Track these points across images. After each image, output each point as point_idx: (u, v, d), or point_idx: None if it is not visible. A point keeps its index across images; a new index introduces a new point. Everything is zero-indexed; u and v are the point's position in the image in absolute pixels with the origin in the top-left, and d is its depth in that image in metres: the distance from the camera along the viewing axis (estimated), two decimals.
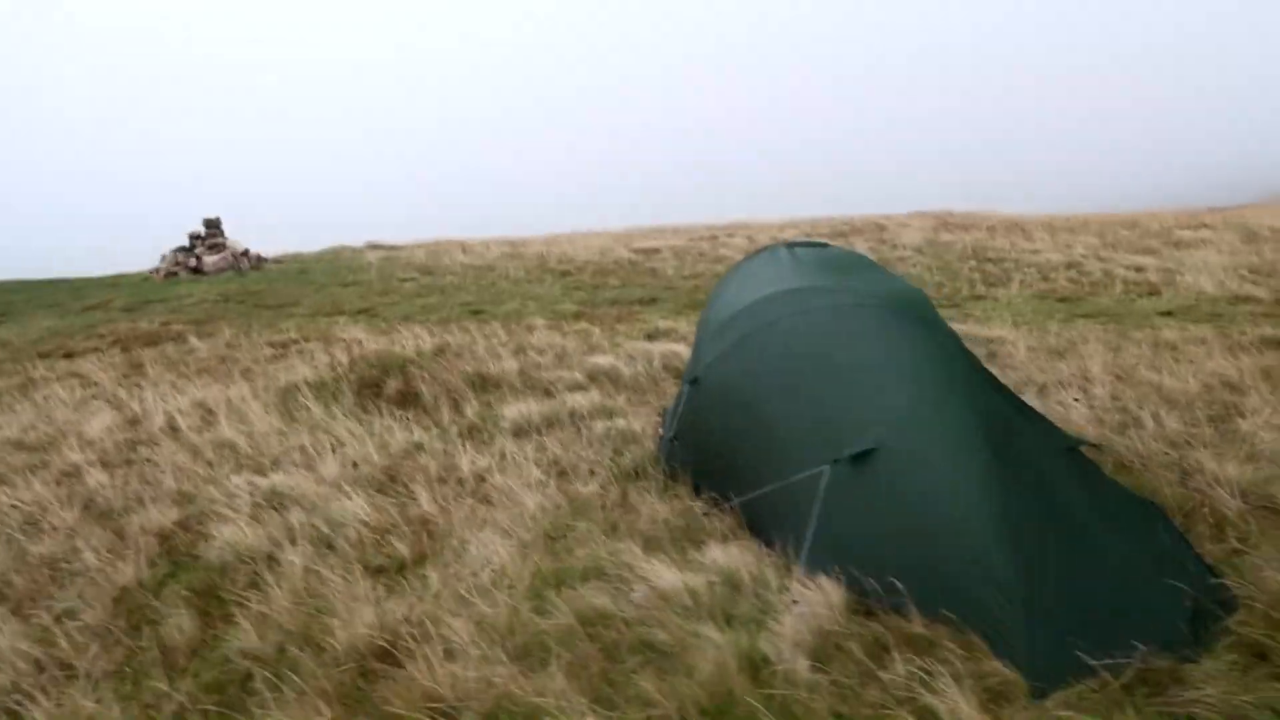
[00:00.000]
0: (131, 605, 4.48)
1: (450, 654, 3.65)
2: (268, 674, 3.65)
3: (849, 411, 4.24)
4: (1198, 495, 4.54)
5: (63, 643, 4.10)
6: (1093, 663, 3.22)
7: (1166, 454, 5.11)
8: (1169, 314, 9.73)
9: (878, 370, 4.27)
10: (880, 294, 4.68)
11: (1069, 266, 13.00)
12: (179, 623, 4.21)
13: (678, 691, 3.26)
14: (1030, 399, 6.28)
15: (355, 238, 20.90)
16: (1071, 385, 6.60)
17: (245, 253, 18.30)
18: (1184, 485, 4.66)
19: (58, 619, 4.36)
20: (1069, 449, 4.47)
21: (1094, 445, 4.83)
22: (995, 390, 4.48)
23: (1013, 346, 7.95)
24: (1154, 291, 11.08)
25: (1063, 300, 10.92)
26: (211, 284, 16.80)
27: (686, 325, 9.81)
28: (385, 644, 3.80)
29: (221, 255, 17.91)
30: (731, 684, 3.29)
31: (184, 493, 5.88)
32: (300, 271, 17.34)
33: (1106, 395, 6.41)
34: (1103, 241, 15.08)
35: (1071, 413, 6.00)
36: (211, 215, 18.69)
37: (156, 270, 18.06)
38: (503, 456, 6.05)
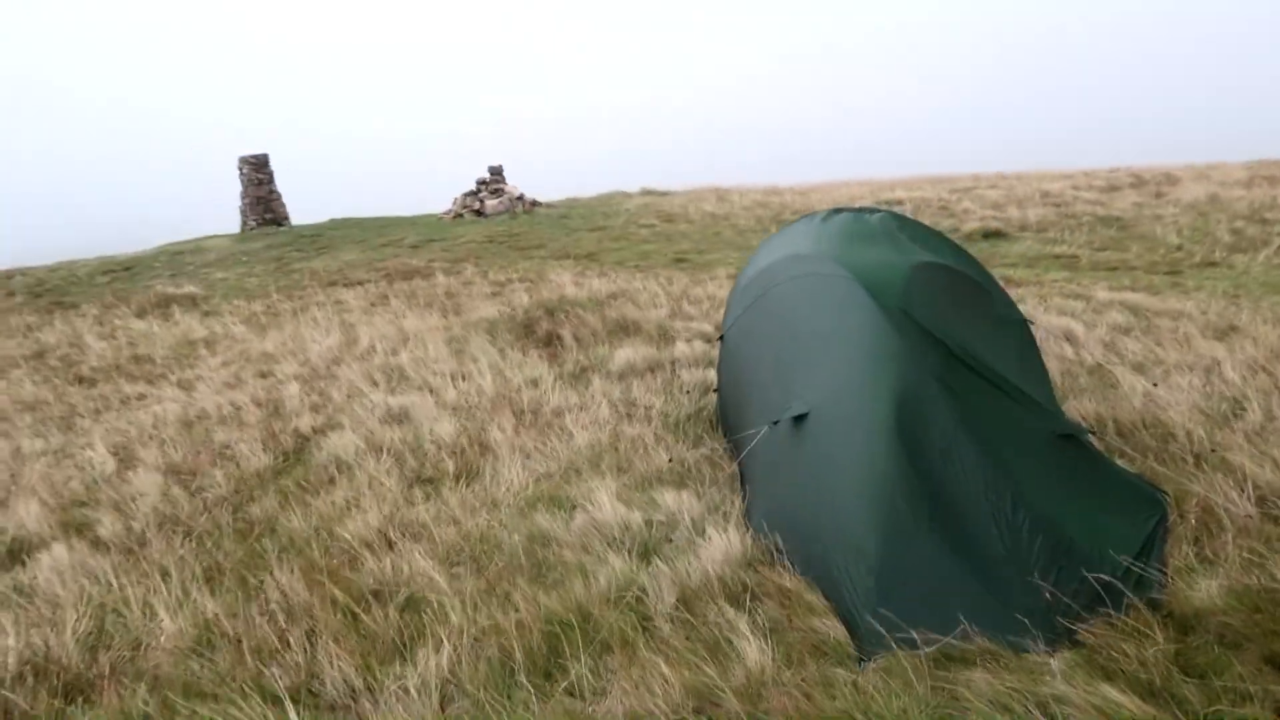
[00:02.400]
0: (250, 487, 5.72)
1: (408, 551, 4.40)
2: (286, 551, 4.63)
3: (799, 377, 4.41)
4: (1207, 496, 4.16)
5: (185, 506, 5.39)
6: (915, 637, 3.29)
7: (1213, 451, 4.63)
8: None
9: (831, 340, 4.37)
10: (876, 265, 4.66)
11: None
12: (266, 505, 5.36)
13: (543, 604, 3.77)
14: (1121, 377, 5.84)
15: (666, 182, 22.20)
16: (1187, 370, 5.96)
17: (520, 197, 20.21)
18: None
19: (196, 490, 5.70)
20: (1061, 435, 4.31)
21: (1087, 433, 4.52)
22: (981, 371, 4.36)
23: (1171, 321, 7.17)
24: None
25: None
26: (487, 225, 18.83)
27: None
28: (380, 538, 4.65)
29: (500, 200, 19.95)
30: (591, 606, 3.74)
31: (337, 405, 7.16)
32: (561, 216, 18.89)
33: (1235, 381, 5.74)
34: None
35: (1144, 397, 5.50)
36: (496, 163, 20.80)
37: (448, 212, 20.51)
38: (589, 396, 6.70)
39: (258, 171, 23.06)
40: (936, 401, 3.89)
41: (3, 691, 3.62)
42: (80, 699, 3.60)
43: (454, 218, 20.05)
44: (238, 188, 23.18)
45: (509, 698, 3.26)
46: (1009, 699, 2.91)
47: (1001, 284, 9.04)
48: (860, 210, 5.58)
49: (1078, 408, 5.53)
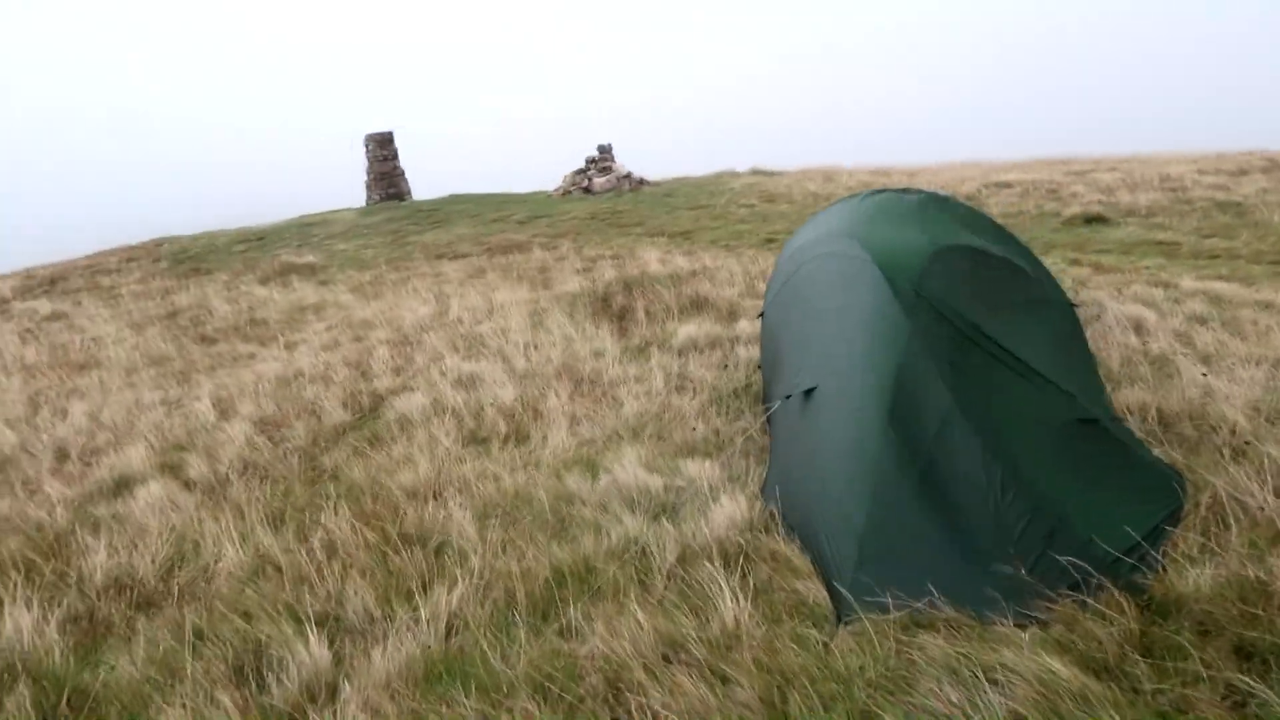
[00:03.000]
0: (326, 440, 6.25)
1: (448, 504, 4.78)
2: (342, 497, 5.09)
3: (813, 351, 4.56)
4: (1221, 487, 4.11)
5: (266, 454, 5.95)
6: (890, 603, 3.44)
7: (1246, 444, 4.53)
8: None
9: (843, 317, 4.49)
10: (897, 245, 4.71)
11: None
12: (335, 456, 5.86)
13: (553, 555, 4.08)
14: (1182, 367, 5.71)
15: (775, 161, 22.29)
16: (1255, 364, 5.74)
17: (628, 175, 20.55)
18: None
19: (279, 441, 6.26)
20: (1081, 420, 4.32)
21: (1110, 419, 4.47)
22: (997, 354, 4.39)
23: (1256, 313, 6.87)
24: None
25: None
26: (593, 202, 19.26)
27: None
28: (428, 489, 5.05)
29: (608, 177, 20.34)
30: (596, 560, 4.02)
31: (418, 368, 7.66)
32: (665, 195, 19.13)
33: None
34: None
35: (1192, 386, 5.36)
36: (605, 141, 21.20)
37: (558, 189, 21.06)
38: (647, 369, 6.96)
39: (382, 149, 24.19)
40: (934, 381, 3.96)
41: (92, 599, 4.18)
42: (152, 611, 4.12)
43: (563, 195, 20.58)
44: (363, 164, 24.40)
45: (505, 634, 3.57)
46: (958, 664, 3.03)
47: (1090, 270, 8.82)
48: (903, 191, 5.62)
49: (1128, 395, 5.43)
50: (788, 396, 4.47)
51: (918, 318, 4.25)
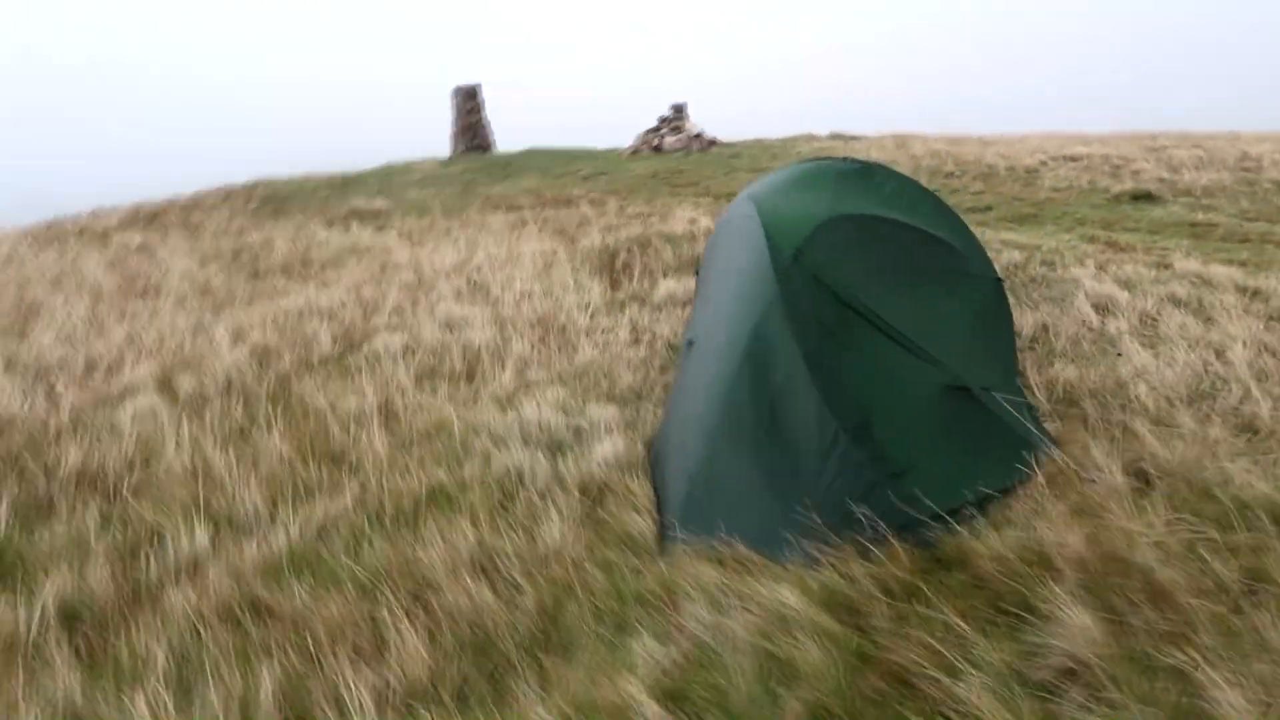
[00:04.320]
0: (306, 369, 6.84)
1: (373, 427, 5.28)
2: (292, 418, 5.65)
3: (709, 308, 4.84)
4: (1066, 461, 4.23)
5: (249, 378, 6.58)
6: (700, 538, 3.76)
7: (1124, 426, 4.60)
8: None
9: (729, 277, 4.75)
10: (794, 212, 4.89)
11: None
12: (307, 384, 6.44)
13: (438, 475, 4.53)
14: (1129, 348, 5.73)
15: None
16: (1204, 347, 5.69)
17: (699, 135, 20.63)
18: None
19: (266, 366, 6.89)
20: (950, 387, 4.50)
21: (981, 389, 4.58)
22: (873, 320, 4.56)
23: (1244, 298, 6.72)
24: None
25: None
26: (660, 161, 19.47)
27: None
28: (368, 417, 5.56)
29: (679, 137, 20.48)
30: (472, 483, 4.45)
31: (421, 307, 8.19)
32: (732, 156, 19.16)
33: (1238, 362, 5.46)
34: None
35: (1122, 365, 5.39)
36: (679, 101, 21.31)
37: (630, 147, 21.31)
38: (620, 321, 7.31)
39: (468, 101, 24.86)
40: (788, 339, 4.18)
41: (54, 488, 4.85)
42: (104, 501, 4.75)
43: (633, 153, 20.83)
44: (450, 116, 25.15)
45: (367, 539, 4.04)
46: (721, 593, 3.34)
47: (1104, 248, 8.66)
48: (843, 160, 5.77)
49: (1056, 370, 5.50)
50: (689, 345, 4.77)
51: (790, 280, 4.46)
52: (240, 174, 24.82)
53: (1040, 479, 4.10)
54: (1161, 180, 12.39)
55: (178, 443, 5.31)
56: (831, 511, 3.75)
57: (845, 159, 5.91)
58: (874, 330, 4.55)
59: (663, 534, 3.94)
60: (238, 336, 7.86)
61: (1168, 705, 2.62)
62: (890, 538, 3.63)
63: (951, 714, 2.63)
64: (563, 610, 3.38)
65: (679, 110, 21.36)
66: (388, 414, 5.56)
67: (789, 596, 3.17)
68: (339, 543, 3.99)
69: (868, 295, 4.63)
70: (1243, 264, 8.02)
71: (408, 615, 3.27)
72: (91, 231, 17.82)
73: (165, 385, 6.58)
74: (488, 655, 3.14)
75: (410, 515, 4.21)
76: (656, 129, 21.20)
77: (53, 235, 17.81)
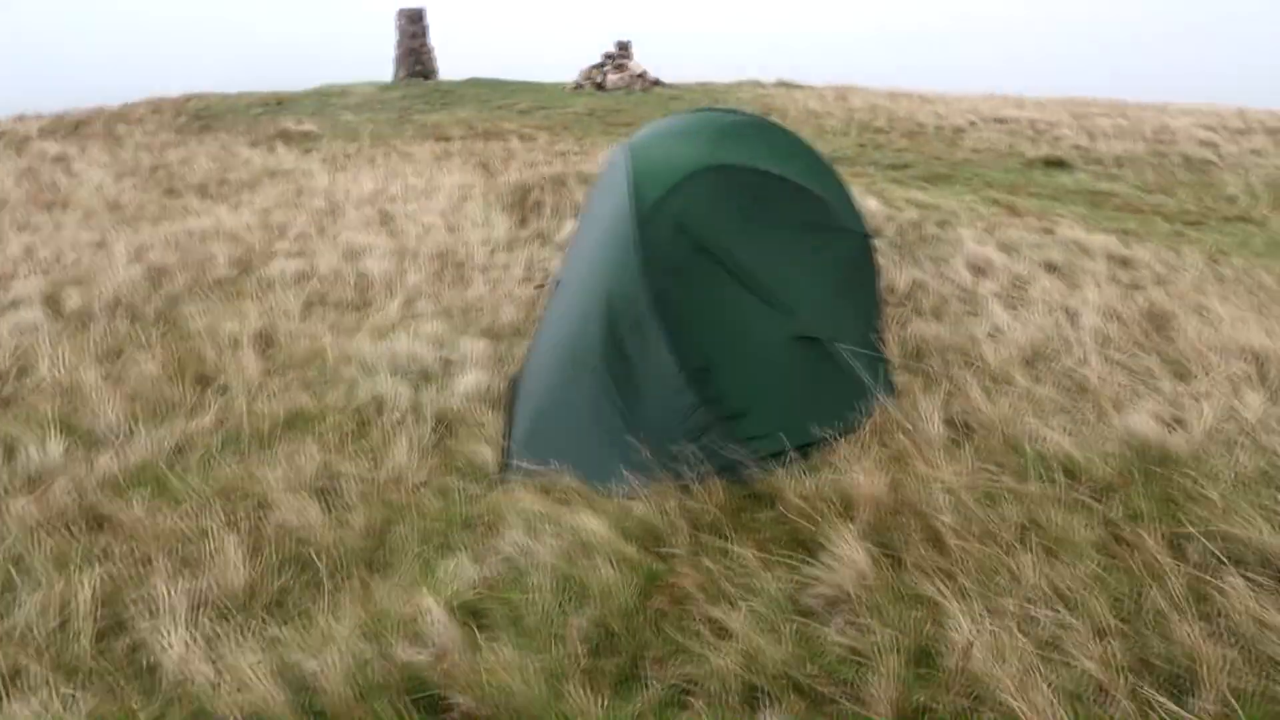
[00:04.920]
0: (198, 290, 6.86)
1: (248, 351, 5.37)
2: (170, 338, 5.71)
3: (577, 251, 4.99)
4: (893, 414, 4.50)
5: (139, 296, 6.59)
6: (536, 468, 3.96)
7: (952, 383, 4.88)
8: None
9: (597, 222, 4.90)
10: (664, 160, 5.02)
11: None
12: (195, 306, 6.48)
13: (301, 400, 4.66)
14: (990, 308, 6.01)
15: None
16: (1060, 311, 6.00)
17: (642, 74, 20.52)
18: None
19: (158, 287, 6.90)
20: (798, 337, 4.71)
21: (826, 339, 4.81)
22: (731, 268, 4.74)
23: (1115, 267, 7.06)
24: None
25: None
26: (599, 99, 19.36)
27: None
28: (260, 334, 5.65)
29: (621, 75, 20.36)
30: (332, 410, 4.59)
31: (326, 235, 8.21)
32: (672, 98, 19.14)
33: (1088, 325, 5.77)
34: None
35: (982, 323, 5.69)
36: (624, 38, 21.10)
37: (573, 82, 21.12)
38: (516, 259, 7.42)
39: (412, 24, 24.32)
40: (638, 282, 4.34)
41: None
42: None
43: (575, 89, 20.66)
44: (394, 38, 24.61)
45: (218, 458, 4.17)
46: (539, 520, 3.55)
47: (1004, 212, 8.93)
48: (726, 111, 5.90)
49: (916, 327, 5.76)
50: (556, 285, 4.93)
51: (649, 226, 4.60)
52: (177, 85, 24.04)
53: (867, 428, 4.37)
54: (1077, 148, 12.75)
55: (52, 358, 5.33)
56: (664, 448, 3.97)
57: (732, 110, 6.03)
58: (730, 278, 4.73)
59: (505, 464, 4.14)
60: (137, 255, 7.82)
61: (911, 630, 2.90)
62: (712, 475, 3.87)
63: (709, 633, 2.88)
64: (390, 531, 3.57)
65: (624, 48, 21.19)
66: (267, 339, 5.65)
67: (596, 525, 3.39)
68: (191, 460, 4.12)
69: (728, 244, 4.80)
70: (1127, 233, 8.38)
71: (236, 529, 3.43)
72: (10, 137, 17.29)
73: (52, 300, 6.56)
74: (310, 570, 3.32)
75: (265, 438, 4.34)
76: (600, 65, 21.03)
77: None
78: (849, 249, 5.64)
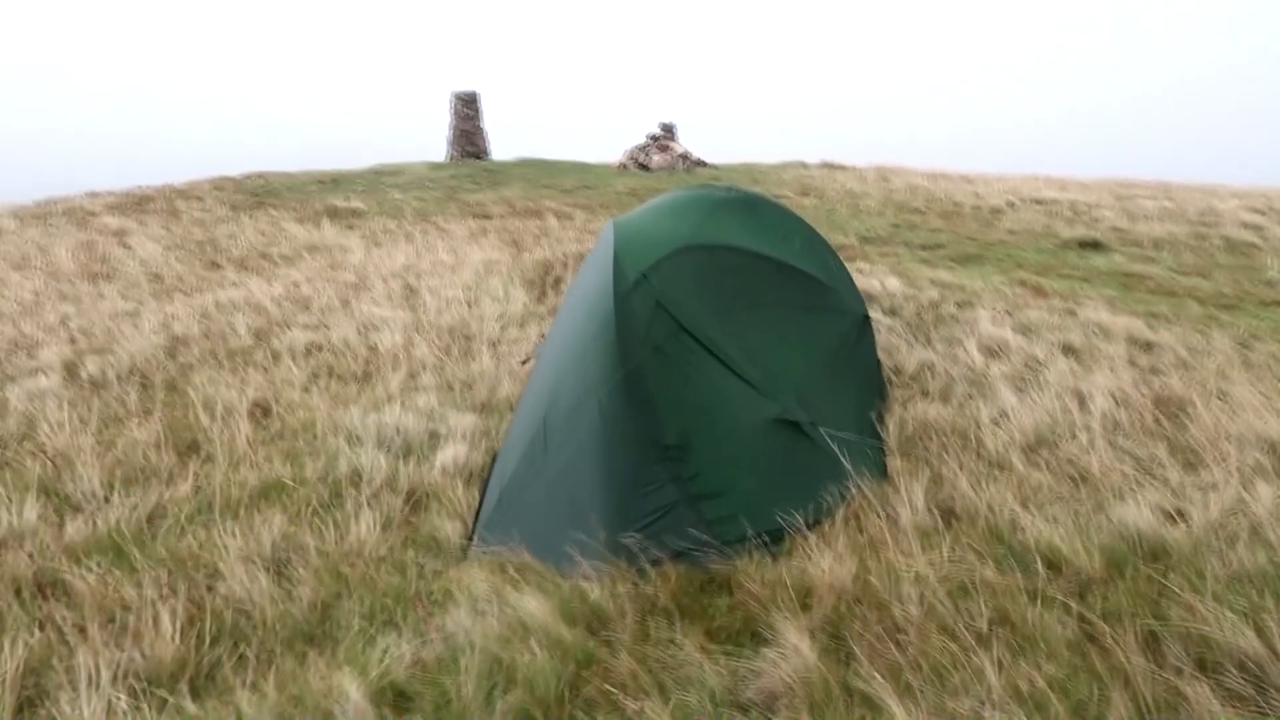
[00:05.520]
0: (215, 359, 7.00)
1: (240, 421, 5.43)
2: (173, 405, 5.81)
3: (559, 327, 4.99)
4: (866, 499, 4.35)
5: (154, 364, 6.75)
6: (497, 549, 3.89)
7: (943, 461, 4.72)
8: None
9: (581, 296, 4.92)
10: (649, 238, 5.01)
11: None
12: (208, 375, 6.60)
13: (278, 471, 4.68)
14: (999, 391, 5.84)
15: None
16: (1070, 395, 5.79)
17: (685, 155, 20.84)
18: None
19: (175, 354, 7.07)
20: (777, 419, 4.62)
21: (806, 421, 4.69)
22: (711, 349, 4.67)
23: (1135, 351, 6.82)
24: None
25: None
26: (643, 179, 19.67)
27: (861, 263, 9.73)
28: (252, 411, 5.72)
29: (665, 156, 20.70)
30: (307, 481, 4.60)
31: (347, 308, 8.37)
32: (713, 177, 19.35)
33: (1098, 411, 5.55)
34: None
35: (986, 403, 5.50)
36: (668, 120, 21.53)
37: (619, 163, 21.54)
38: (527, 334, 7.46)
39: (466, 107, 25.16)
40: (609, 360, 4.29)
41: None
42: None
43: (619, 169, 21.04)
44: (449, 120, 25.44)
45: (190, 526, 4.18)
46: (481, 595, 3.47)
47: (1029, 292, 8.75)
48: (727, 189, 5.92)
49: (919, 409, 5.61)
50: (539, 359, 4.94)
51: (628, 303, 4.58)
52: (247, 165, 25.10)
53: (840, 514, 4.21)
54: (1115, 229, 12.49)
55: (55, 424, 5.45)
56: (624, 529, 3.87)
57: (729, 188, 6.04)
58: (711, 358, 4.67)
59: (470, 540, 4.08)
60: (163, 325, 8.04)
61: None
62: (671, 559, 3.76)
63: None
64: (337, 606, 3.52)
65: (668, 130, 21.59)
66: (264, 409, 5.71)
67: (536, 607, 3.29)
68: (161, 528, 4.14)
69: (710, 324, 4.76)
70: (1155, 316, 8.12)
71: (175, 600, 3.40)
72: (78, 212, 18.11)
73: (71, 368, 6.75)
74: (249, 643, 3.27)
75: (236, 508, 4.35)
76: (644, 147, 21.42)
77: (41, 213, 18.12)
78: (845, 329, 5.56)
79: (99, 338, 7.69)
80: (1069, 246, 11.64)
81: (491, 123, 26.62)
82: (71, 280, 10.73)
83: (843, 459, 4.50)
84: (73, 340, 7.58)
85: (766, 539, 4.03)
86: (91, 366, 6.68)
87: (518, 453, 4.28)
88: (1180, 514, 4.28)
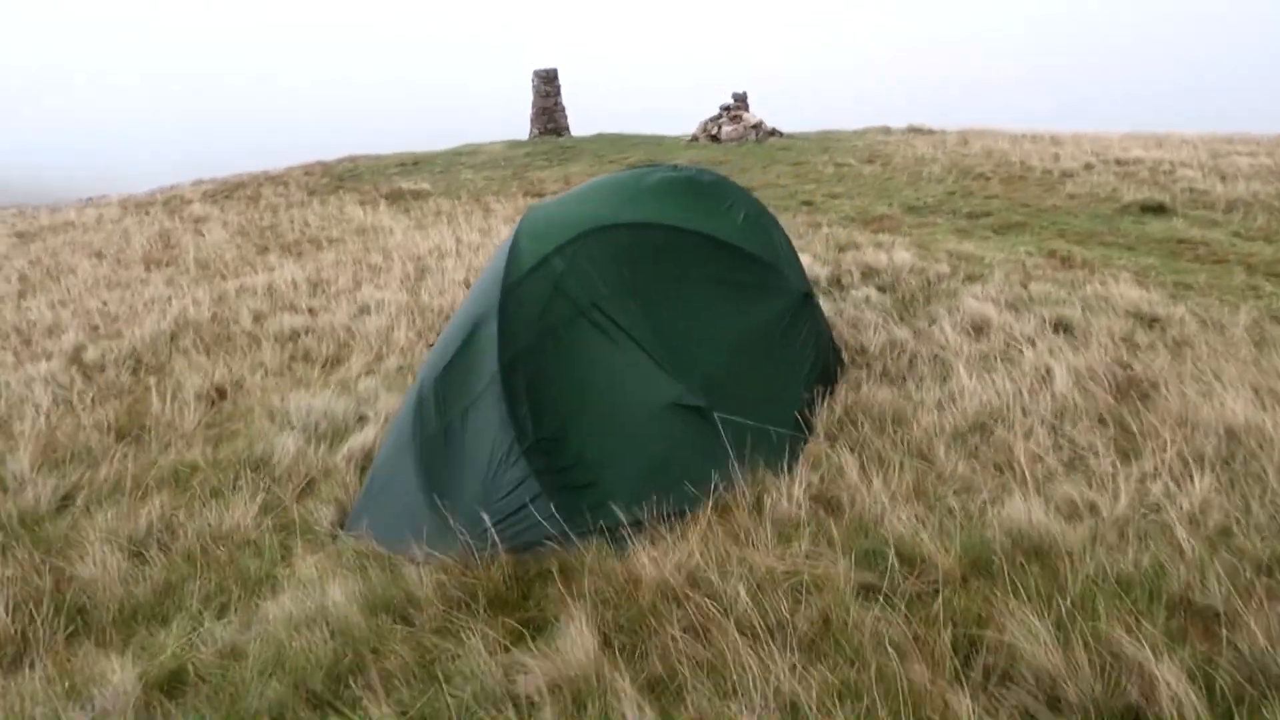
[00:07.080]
0: (207, 344, 7.33)
1: (190, 403, 5.67)
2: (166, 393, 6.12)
3: (456, 315, 4.99)
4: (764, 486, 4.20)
5: (152, 346, 7.12)
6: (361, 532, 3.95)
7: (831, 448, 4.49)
8: None
9: (479, 282, 4.88)
10: (567, 217, 4.93)
11: None
12: (194, 360, 6.91)
13: (191, 454, 4.87)
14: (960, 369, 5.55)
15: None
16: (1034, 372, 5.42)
17: (758, 125, 20.39)
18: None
19: (177, 337, 7.43)
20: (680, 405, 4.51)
21: (705, 407, 4.51)
22: (628, 330, 4.57)
23: (1125, 323, 6.32)
24: None
25: None
26: (712, 151, 19.38)
27: (892, 246, 9.31)
28: (217, 388, 5.97)
29: (736, 126, 20.31)
30: (219, 463, 4.77)
31: (355, 289, 8.61)
32: (782, 148, 18.87)
33: (1061, 392, 5.18)
34: None
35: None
36: (740, 90, 21.09)
37: (692, 135, 21.28)
38: None
39: (546, 84, 25.33)
40: (490, 348, 4.25)
41: None
42: None
43: (691, 140, 20.80)
44: (530, 98, 25.70)
45: (99, 507, 4.41)
46: (309, 582, 3.53)
47: (1057, 263, 8.21)
48: (672, 168, 5.78)
49: (868, 392, 5.36)
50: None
51: (517, 289, 4.52)
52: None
53: (709, 505, 4.05)
54: (1191, 191, 11.55)
55: (54, 405, 5.83)
56: (474, 520, 3.84)
57: (674, 167, 5.88)
58: (611, 342, 4.58)
59: (342, 526, 4.14)
60: (181, 310, 8.45)
61: None
62: (517, 550, 3.72)
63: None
64: (182, 588, 3.64)
65: (740, 99, 21.16)
66: (222, 393, 5.94)
67: (341, 595, 3.32)
68: (74, 509, 4.38)
69: (623, 304, 4.66)
70: (1188, 287, 7.50)
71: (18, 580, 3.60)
72: (178, 200, 19.17)
73: (77, 353, 7.19)
74: (82, 622, 3.43)
75: (144, 490, 4.55)
76: (716, 118, 21.08)
77: (146, 203, 19.30)
78: (782, 308, 5.34)
79: (124, 323, 8.15)
80: (1128, 211, 10.82)
81: (572, 98, 26.77)
82: (128, 267, 11.41)
83: (728, 447, 4.34)
84: (95, 326, 8.06)
85: (629, 530, 3.93)
86: (94, 352, 7.09)
87: (391, 439, 4.31)
88: (1092, 508, 3.97)
